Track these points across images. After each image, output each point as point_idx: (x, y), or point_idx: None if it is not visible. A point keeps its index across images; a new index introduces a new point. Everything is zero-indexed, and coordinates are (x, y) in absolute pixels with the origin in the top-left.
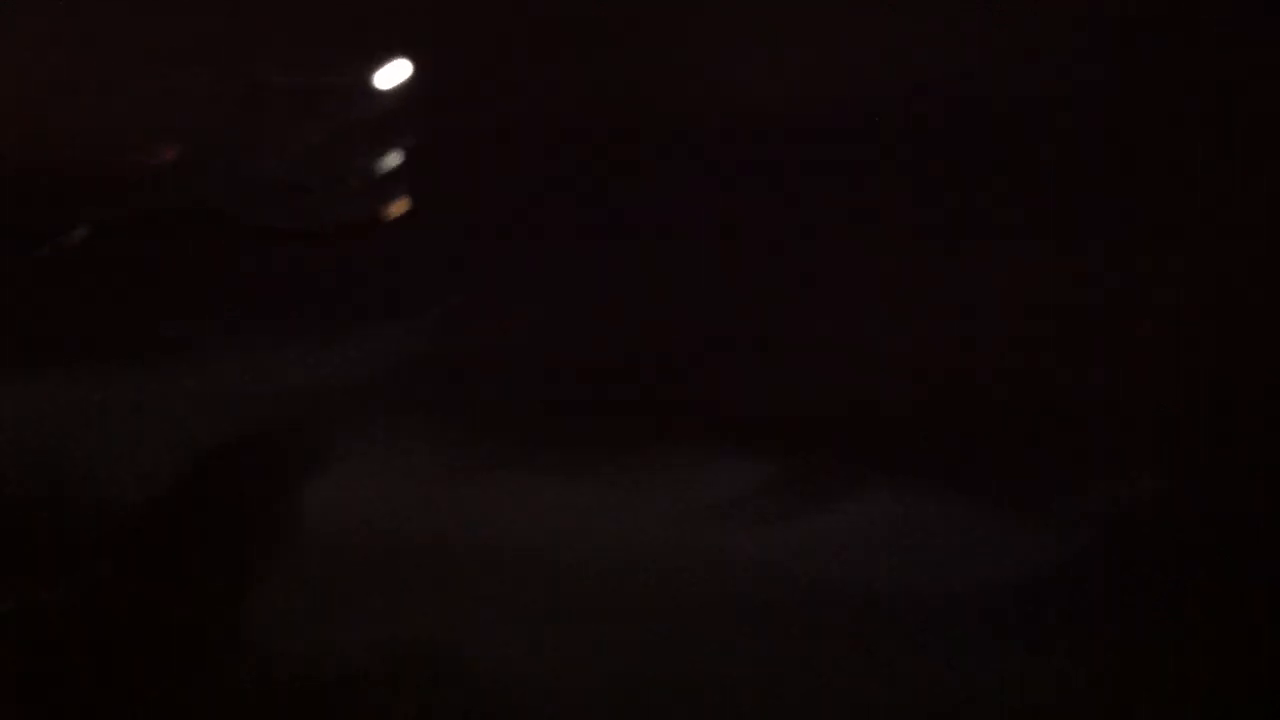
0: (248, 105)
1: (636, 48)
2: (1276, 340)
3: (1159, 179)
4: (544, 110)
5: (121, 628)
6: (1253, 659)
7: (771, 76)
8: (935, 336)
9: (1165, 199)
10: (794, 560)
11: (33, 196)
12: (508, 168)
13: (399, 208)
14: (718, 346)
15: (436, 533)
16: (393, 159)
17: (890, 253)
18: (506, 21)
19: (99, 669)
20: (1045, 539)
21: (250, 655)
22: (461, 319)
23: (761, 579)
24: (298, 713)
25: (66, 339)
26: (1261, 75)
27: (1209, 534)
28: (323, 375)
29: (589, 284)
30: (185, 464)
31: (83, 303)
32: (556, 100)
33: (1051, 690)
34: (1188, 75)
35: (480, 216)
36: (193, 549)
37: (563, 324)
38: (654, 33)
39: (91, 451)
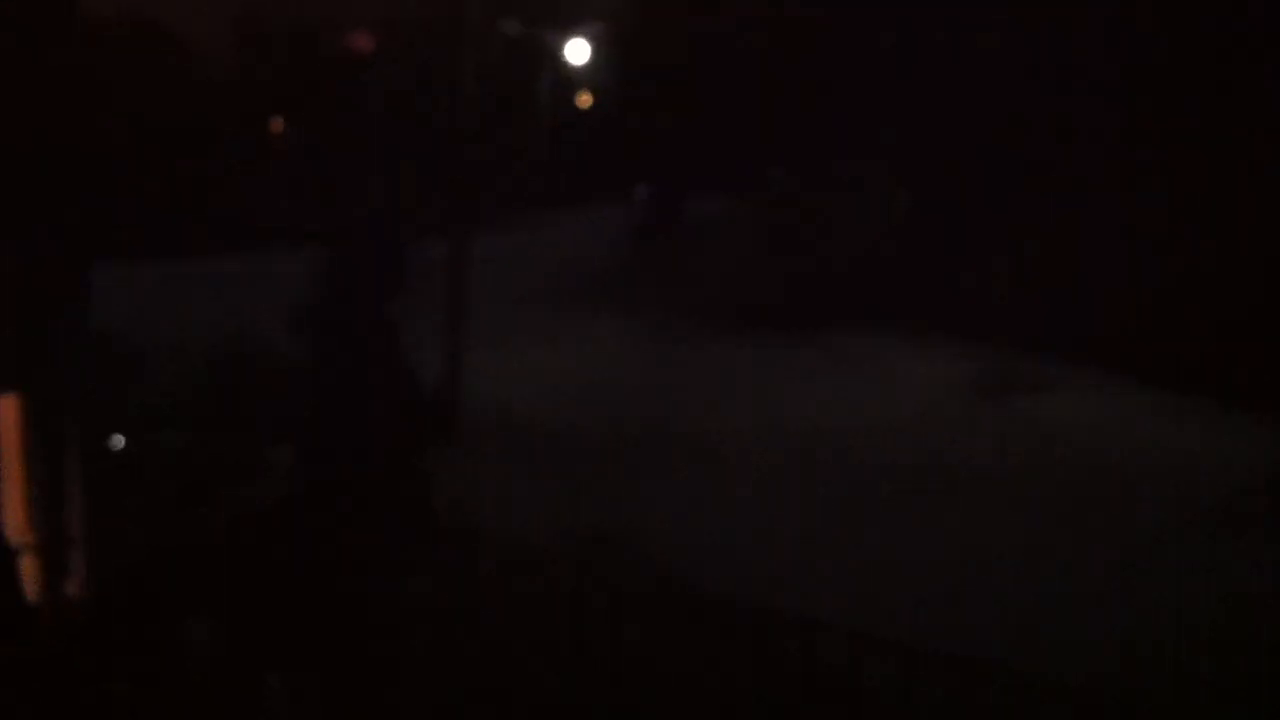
0: (445, 3)
1: None
2: None
3: None
4: (742, 17)
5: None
6: None
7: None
8: (1135, 256)
9: None
10: (994, 444)
11: (242, 90)
12: (707, 65)
13: (584, 101)
14: (936, 253)
15: (643, 419)
16: (583, 56)
17: (1090, 184)
18: None
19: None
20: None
21: (447, 540)
22: (666, 209)
23: (965, 462)
24: (497, 591)
25: (274, 225)
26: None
27: None
28: (522, 263)
29: (813, 184)
30: (392, 340)
31: (287, 190)
32: (753, 12)
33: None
34: None
35: (676, 114)
36: (386, 434)
37: (788, 221)
38: None
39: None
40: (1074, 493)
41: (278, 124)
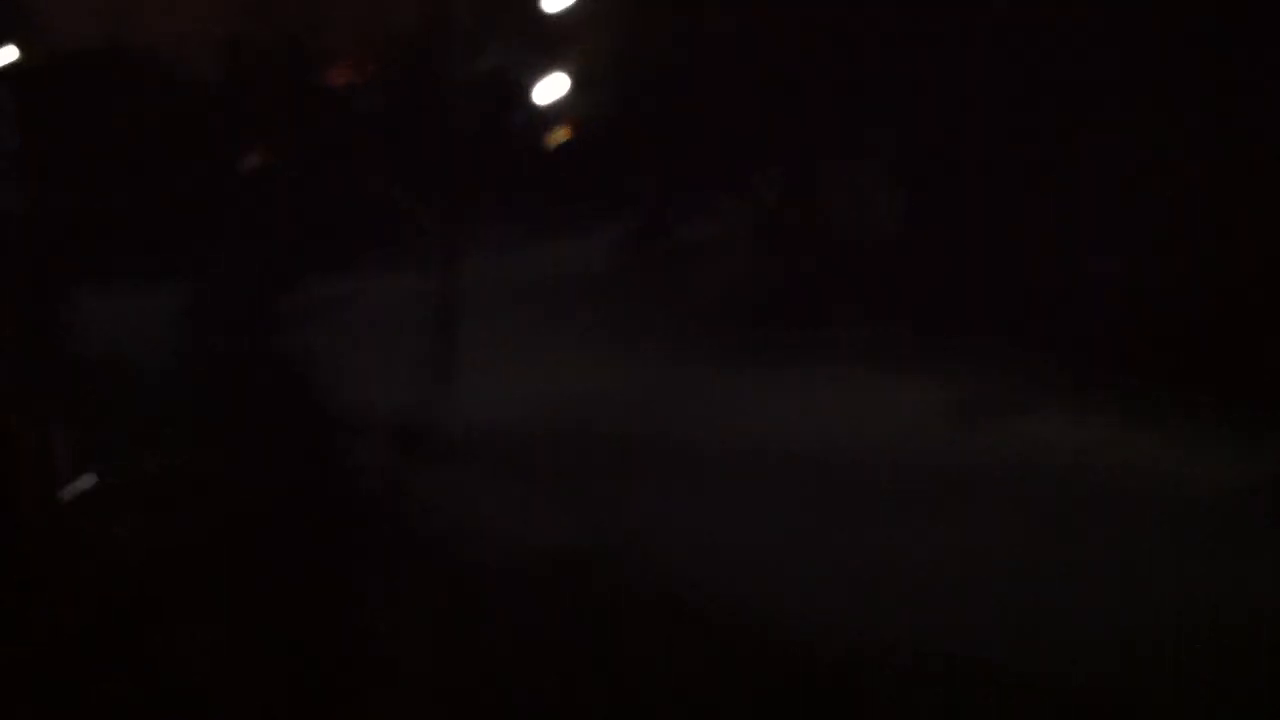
0: (434, 27)
1: None
2: None
3: None
4: (720, 27)
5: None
6: None
7: None
8: (1135, 255)
9: None
10: (995, 444)
11: (233, 106)
12: (702, 77)
13: (565, 134)
14: (935, 256)
15: (648, 429)
16: (566, 79)
17: (1071, 206)
18: None
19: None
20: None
21: (456, 544)
22: (674, 216)
23: (965, 464)
24: (504, 595)
25: (259, 244)
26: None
27: None
28: (529, 275)
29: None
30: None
31: (272, 213)
32: (732, 18)
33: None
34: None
35: (668, 124)
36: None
37: (779, 235)
38: None
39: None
40: (1074, 493)
41: (265, 152)
